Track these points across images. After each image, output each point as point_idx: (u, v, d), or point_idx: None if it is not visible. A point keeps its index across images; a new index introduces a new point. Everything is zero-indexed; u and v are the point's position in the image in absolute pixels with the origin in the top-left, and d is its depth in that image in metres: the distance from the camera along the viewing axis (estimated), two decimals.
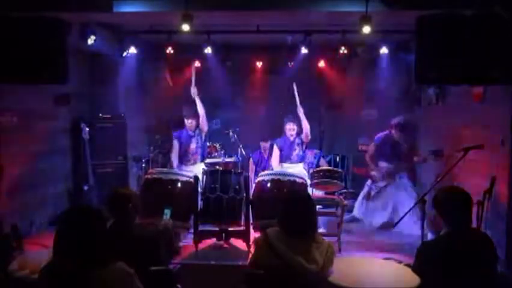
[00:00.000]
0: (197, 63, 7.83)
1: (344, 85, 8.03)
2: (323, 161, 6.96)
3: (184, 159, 6.19)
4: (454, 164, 4.47)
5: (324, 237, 3.01)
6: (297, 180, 5.12)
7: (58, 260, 2.23)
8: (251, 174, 6.57)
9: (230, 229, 4.99)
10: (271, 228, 2.92)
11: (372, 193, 6.29)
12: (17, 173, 5.42)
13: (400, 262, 3.22)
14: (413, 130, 6.51)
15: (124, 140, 7.09)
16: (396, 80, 7.46)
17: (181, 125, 6.34)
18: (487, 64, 3.45)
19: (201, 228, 4.95)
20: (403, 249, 5.07)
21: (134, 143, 7.46)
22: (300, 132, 6.29)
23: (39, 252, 3.75)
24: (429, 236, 4.76)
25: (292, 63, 7.56)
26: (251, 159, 7.00)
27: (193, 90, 6.12)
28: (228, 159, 7.35)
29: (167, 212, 4.42)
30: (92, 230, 2.25)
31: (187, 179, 5.12)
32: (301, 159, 6.40)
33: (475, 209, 3.29)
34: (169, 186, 5.03)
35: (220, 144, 7.63)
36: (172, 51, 6.62)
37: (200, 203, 4.99)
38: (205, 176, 5.18)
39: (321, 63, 7.79)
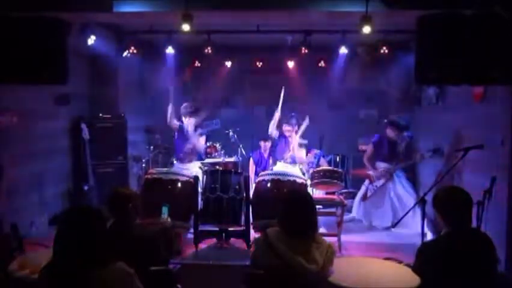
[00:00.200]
0: (197, 63, 7.87)
1: (344, 85, 8.03)
2: (323, 161, 6.96)
3: (180, 156, 6.15)
4: (454, 164, 4.48)
5: (324, 237, 3.01)
6: (297, 180, 5.12)
7: (58, 260, 2.23)
8: (251, 174, 6.57)
9: (230, 229, 4.99)
10: (271, 228, 2.91)
11: (369, 193, 6.29)
12: (17, 173, 5.42)
13: (400, 262, 3.21)
14: (406, 128, 6.49)
15: (124, 140, 7.09)
16: (396, 80, 7.46)
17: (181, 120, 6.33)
18: (487, 64, 3.44)
19: (201, 228, 4.95)
20: (403, 249, 5.07)
21: (134, 143, 7.46)
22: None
23: (39, 252, 3.73)
24: (429, 236, 4.77)
25: (292, 63, 7.57)
26: (251, 159, 7.00)
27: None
28: (228, 159, 7.35)
29: (164, 210, 4.42)
30: (92, 230, 2.25)
31: (187, 179, 5.13)
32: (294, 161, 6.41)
33: (475, 209, 3.29)
34: (169, 186, 5.03)
35: (220, 144, 7.63)
36: (172, 51, 6.63)
37: (200, 203, 4.99)
38: (205, 176, 5.18)
39: (321, 63, 7.79)
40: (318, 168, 5.89)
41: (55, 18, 3.76)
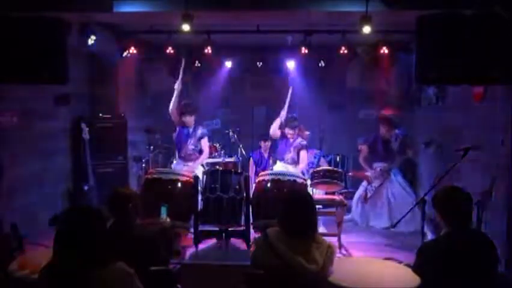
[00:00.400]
0: (197, 63, 7.87)
1: (344, 85, 8.03)
2: (323, 161, 6.97)
3: (181, 154, 6.13)
4: (453, 164, 4.48)
5: (324, 237, 3.01)
6: (297, 180, 5.12)
7: (58, 260, 2.23)
8: (251, 174, 6.57)
9: (230, 229, 4.99)
10: (271, 228, 2.91)
11: (369, 194, 6.29)
12: (17, 173, 5.42)
13: (400, 262, 3.21)
14: (398, 124, 6.48)
15: (124, 140, 7.09)
16: (396, 80, 7.47)
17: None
18: (487, 64, 3.44)
19: (201, 228, 4.94)
20: (403, 249, 5.07)
21: (134, 143, 7.46)
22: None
23: (39, 252, 3.74)
24: (429, 236, 4.76)
25: (291, 63, 7.57)
26: (251, 159, 7.00)
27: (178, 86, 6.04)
28: (228, 159, 7.36)
29: (163, 210, 4.41)
30: (92, 230, 2.25)
31: (187, 179, 5.12)
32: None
33: (475, 209, 3.29)
34: (169, 186, 5.02)
35: (220, 144, 7.63)
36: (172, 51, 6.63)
37: (200, 203, 4.98)
38: (205, 176, 5.18)
39: (321, 63, 7.79)
40: (318, 168, 5.89)
41: (55, 18, 3.76)
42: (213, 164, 6.92)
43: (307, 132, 6.63)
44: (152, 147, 7.35)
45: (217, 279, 4.34)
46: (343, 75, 7.92)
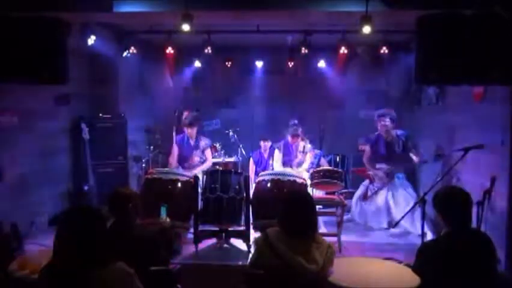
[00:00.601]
0: (197, 63, 7.88)
1: (344, 85, 8.04)
2: (323, 161, 6.96)
3: (184, 165, 6.24)
4: (453, 164, 4.48)
5: (324, 237, 3.01)
6: (297, 180, 5.12)
7: (58, 260, 2.23)
8: (251, 174, 6.58)
9: (230, 229, 4.99)
10: (271, 228, 2.92)
11: (370, 193, 6.28)
12: (17, 173, 5.42)
13: (400, 262, 3.21)
14: (397, 124, 6.47)
15: (124, 140, 7.08)
16: (396, 80, 7.47)
17: (182, 130, 6.40)
18: (487, 64, 3.44)
19: (201, 228, 4.95)
20: (403, 249, 5.07)
21: (134, 143, 7.46)
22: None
23: (39, 252, 3.74)
24: (429, 236, 4.77)
25: (292, 63, 7.57)
26: (251, 159, 7.00)
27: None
28: (228, 159, 7.36)
29: (163, 210, 4.42)
30: (92, 230, 2.25)
31: (187, 179, 5.13)
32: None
33: (475, 209, 3.29)
34: (169, 186, 5.03)
35: (220, 144, 7.64)
36: (172, 51, 6.63)
37: (200, 203, 4.99)
38: (205, 176, 5.18)
39: (321, 63, 7.79)
40: (318, 168, 5.88)
41: (55, 18, 3.76)
42: (213, 164, 6.93)
43: (307, 144, 6.68)
44: (152, 147, 7.35)
45: (217, 279, 4.34)
46: (343, 75, 7.92)
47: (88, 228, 2.24)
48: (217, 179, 5.00)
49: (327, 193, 6.05)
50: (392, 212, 6.01)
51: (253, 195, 5.09)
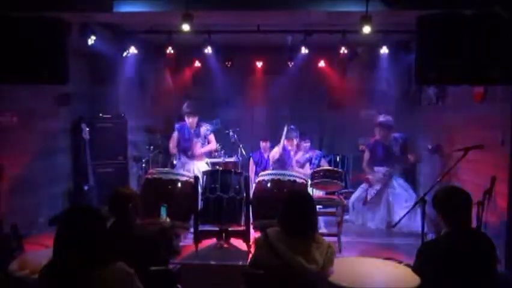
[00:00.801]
0: (197, 63, 7.88)
1: (344, 85, 8.03)
2: (323, 162, 6.97)
3: (188, 154, 6.22)
4: (454, 164, 4.48)
5: (324, 237, 3.01)
6: (297, 180, 5.12)
7: (58, 260, 2.23)
8: (251, 174, 6.58)
9: (230, 229, 4.99)
10: (271, 228, 2.92)
11: (369, 197, 6.28)
12: (17, 173, 5.42)
13: (400, 262, 3.22)
14: (395, 129, 6.50)
15: (124, 140, 7.09)
16: (396, 80, 7.46)
17: (183, 119, 6.39)
18: (487, 64, 3.44)
19: (201, 228, 4.94)
20: (403, 249, 5.07)
21: (134, 143, 7.46)
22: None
23: (39, 252, 3.74)
24: (429, 236, 4.76)
25: (292, 63, 7.57)
26: (251, 159, 7.00)
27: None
28: (228, 159, 7.36)
29: (163, 210, 4.42)
30: (92, 230, 2.25)
31: (187, 179, 5.13)
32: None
33: (475, 209, 3.29)
34: (169, 186, 5.03)
35: (220, 144, 7.63)
36: (172, 51, 6.63)
37: (200, 203, 4.99)
38: (205, 176, 5.18)
39: (321, 63, 7.79)
40: (318, 168, 5.89)
41: (55, 18, 3.76)
42: (213, 164, 6.93)
43: (306, 144, 6.68)
44: (152, 147, 7.35)
45: (217, 279, 4.34)
46: (343, 75, 7.91)
47: (88, 228, 2.24)
48: (217, 179, 5.00)
49: (327, 193, 6.06)
50: (392, 212, 6.01)
51: (253, 195, 5.09)
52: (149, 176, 5.24)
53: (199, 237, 4.92)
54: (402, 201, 6.06)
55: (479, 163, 4.79)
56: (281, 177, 5.07)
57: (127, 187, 5.62)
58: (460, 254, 2.71)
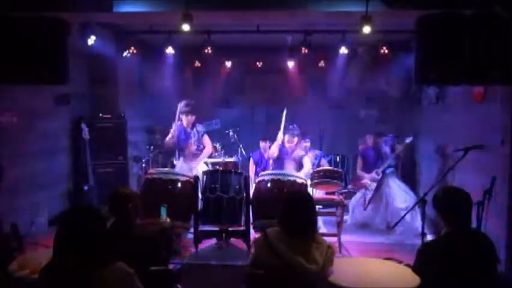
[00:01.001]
0: (197, 63, 7.88)
1: (344, 85, 8.03)
2: (324, 162, 6.97)
3: (185, 154, 6.16)
4: (454, 164, 4.47)
5: (324, 237, 3.01)
6: (297, 180, 5.12)
7: (58, 260, 2.23)
8: (251, 174, 6.58)
9: (230, 229, 4.99)
10: (271, 228, 2.91)
11: (367, 199, 6.30)
12: (17, 173, 5.42)
13: (400, 262, 3.21)
14: (382, 134, 6.60)
15: (124, 140, 7.09)
16: (396, 80, 7.47)
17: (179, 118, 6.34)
18: (487, 64, 3.44)
19: (201, 228, 4.95)
20: (403, 249, 5.07)
21: (134, 143, 7.46)
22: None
23: (39, 252, 3.74)
24: (429, 236, 4.76)
25: (292, 63, 7.57)
26: (251, 159, 7.00)
27: None
28: (228, 159, 7.36)
29: (163, 210, 4.42)
30: (92, 230, 2.25)
31: (187, 179, 5.12)
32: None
33: (475, 209, 3.29)
34: (169, 186, 5.03)
35: (220, 144, 7.64)
36: (172, 51, 6.63)
37: (200, 203, 4.98)
38: (205, 176, 5.18)
39: (321, 63, 7.79)
40: (318, 168, 5.89)
41: (55, 18, 3.76)
42: (213, 164, 6.93)
43: (306, 144, 6.68)
44: (152, 147, 7.35)
45: (217, 279, 4.34)
46: (343, 75, 7.92)
47: (88, 228, 2.24)
48: (217, 179, 4.99)
49: (327, 193, 6.05)
50: (392, 213, 6.02)
51: (253, 195, 5.09)
52: (149, 176, 5.23)
53: (199, 237, 4.92)
54: (401, 201, 6.07)
55: (479, 163, 4.79)
56: (281, 177, 5.07)
57: (127, 187, 5.63)
58: (459, 254, 2.71)
